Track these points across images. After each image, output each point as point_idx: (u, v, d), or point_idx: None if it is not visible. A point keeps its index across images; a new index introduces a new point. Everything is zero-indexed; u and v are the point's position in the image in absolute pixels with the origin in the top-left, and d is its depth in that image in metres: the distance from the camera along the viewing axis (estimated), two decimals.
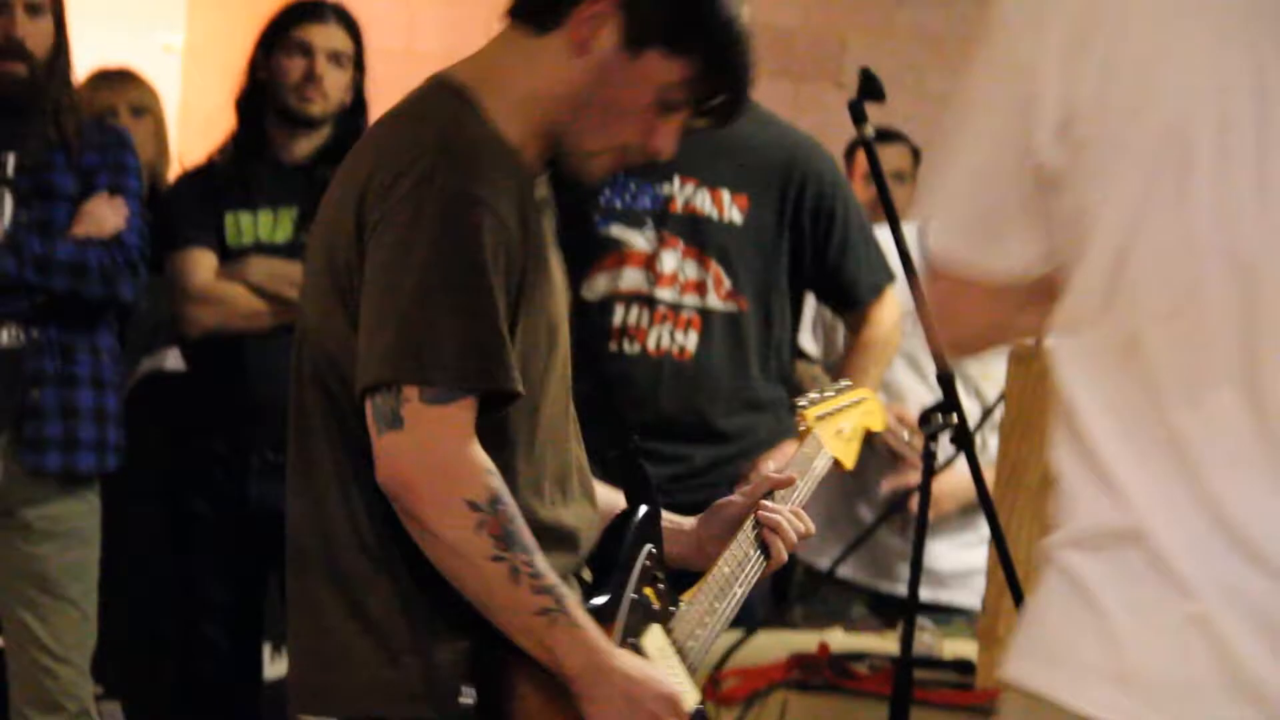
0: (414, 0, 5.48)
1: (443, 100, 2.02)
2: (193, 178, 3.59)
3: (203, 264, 3.48)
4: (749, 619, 2.93)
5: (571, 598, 1.97)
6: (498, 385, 1.92)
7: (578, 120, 2.01)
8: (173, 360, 3.77)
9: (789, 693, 2.68)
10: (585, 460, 2.11)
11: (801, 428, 2.36)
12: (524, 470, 2.00)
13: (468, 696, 1.93)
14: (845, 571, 3.43)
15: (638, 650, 2.06)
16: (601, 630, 1.98)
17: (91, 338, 3.25)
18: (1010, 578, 2.53)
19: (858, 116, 2.60)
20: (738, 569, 2.17)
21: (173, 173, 3.99)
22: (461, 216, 1.92)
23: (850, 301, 3.26)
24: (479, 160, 1.95)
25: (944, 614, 3.36)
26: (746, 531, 2.18)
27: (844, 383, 2.58)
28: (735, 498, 2.24)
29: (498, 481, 1.92)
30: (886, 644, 2.88)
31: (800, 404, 2.38)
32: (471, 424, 1.92)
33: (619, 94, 1.99)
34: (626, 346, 3.15)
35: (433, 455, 1.90)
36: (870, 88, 2.59)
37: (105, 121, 3.43)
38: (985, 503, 2.60)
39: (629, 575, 2.08)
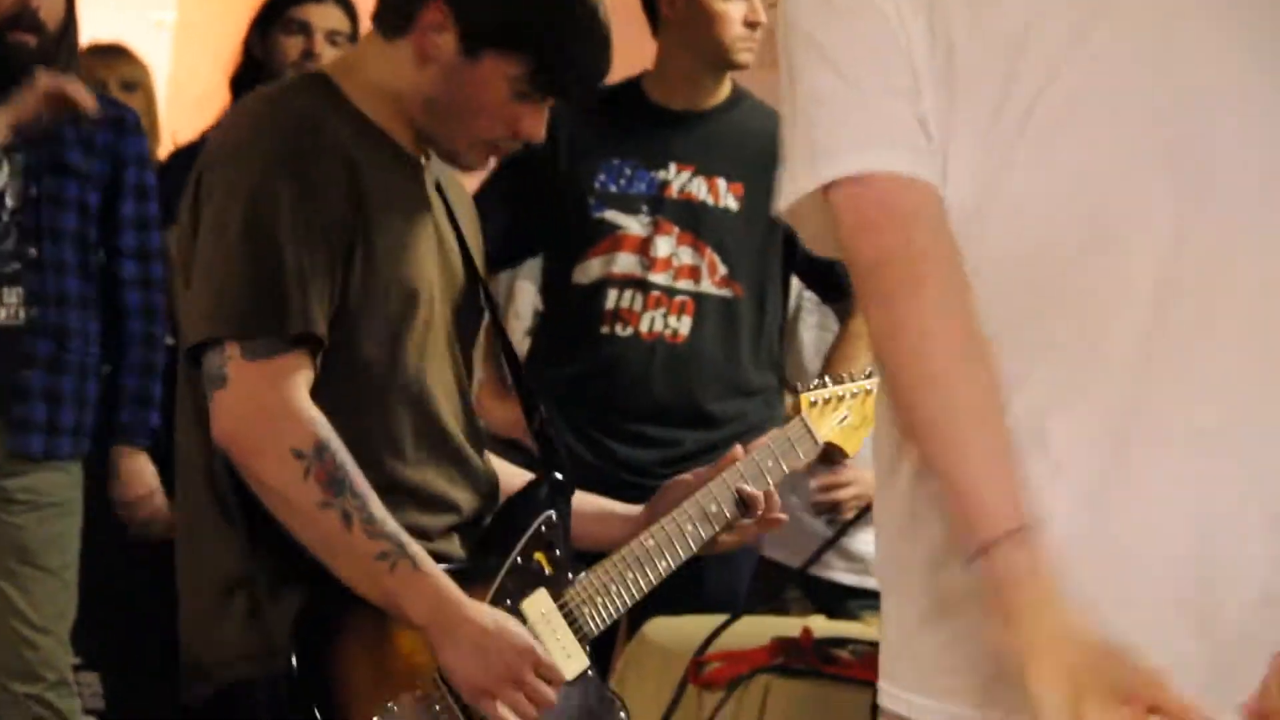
0: None
1: (297, 82, 2.13)
2: (186, 155, 3.58)
3: None
4: (734, 605, 2.94)
5: (415, 547, 1.99)
6: (298, 328, 1.97)
7: (437, 122, 2.09)
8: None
9: (772, 677, 2.69)
10: (464, 439, 2.14)
11: (791, 411, 2.39)
12: (377, 427, 2.05)
13: (291, 657, 1.96)
14: (778, 555, 3.45)
15: (515, 613, 2.08)
16: (450, 580, 2.00)
17: (85, 322, 3.26)
18: None
19: None
20: (667, 542, 2.20)
21: (161, 148, 3.98)
22: (271, 184, 1.98)
23: (840, 290, 3.28)
24: (302, 128, 2.02)
25: (873, 598, 3.37)
26: (689, 507, 2.21)
27: (860, 370, 2.61)
28: (683, 478, 2.29)
29: (324, 430, 1.97)
30: (869, 630, 2.89)
31: (799, 387, 2.41)
32: (297, 375, 1.98)
33: (469, 95, 2.07)
34: (619, 329, 3.16)
35: (255, 407, 1.96)
36: None
37: (108, 95, 3.43)
38: None
39: (516, 539, 2.12)
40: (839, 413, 2.43)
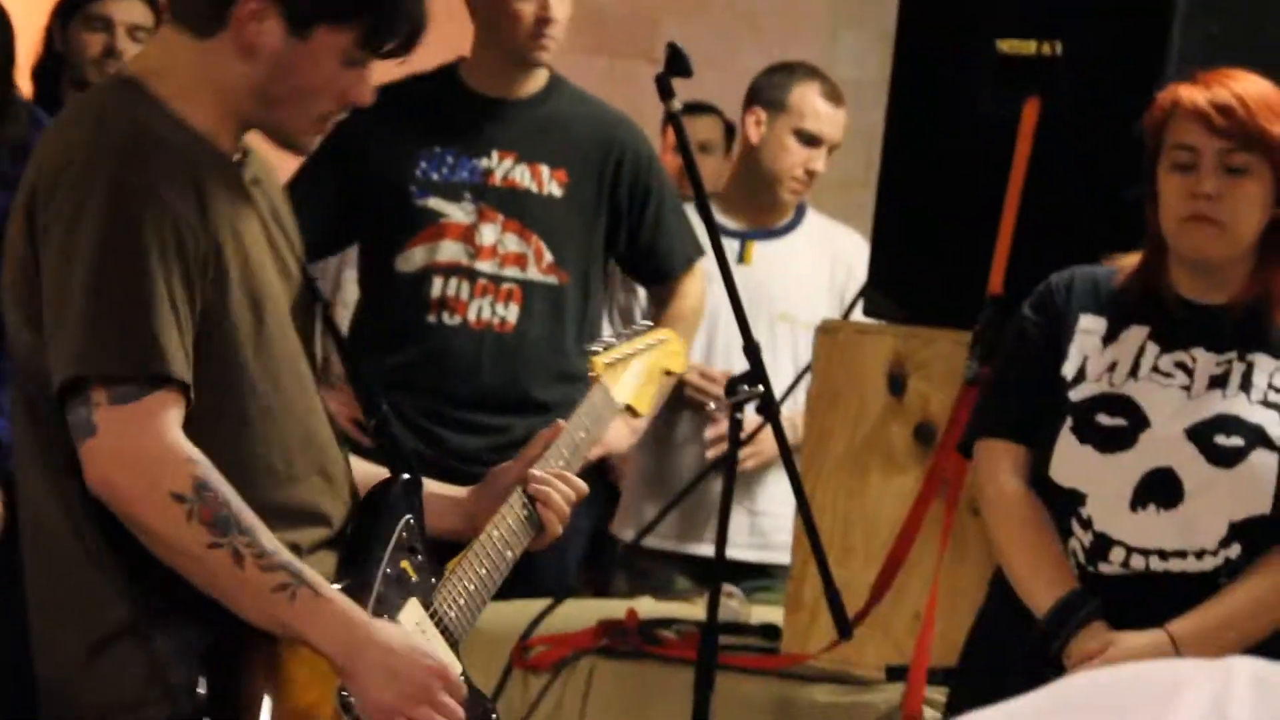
0: None
1: (111, 93, 2.02)
2: None
3: None
4: (562, 588, 2.95)
5: (311, 572, 1.95)
6: (168, 373, 1.91)
7: (273, 111, 2.02)
8: None
9: (597, 659, 2.70)
10: (327, 442, 2.09)
11: (590, 375, 2.37)
12: (246, 449, 1.99)
13: (200, 687, 1.92)
14: (660, 542, 3.44)
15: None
16: (352, 603, 1.96)
17: None
18: (815, 545, 2.58)
19: (665, 91, 2.62)
20: (509, 534, 2.17)
21: None
22: (124, 207, 1.92)
23: (662, 275, 3.30)
24: (143, 147, 1.95)
25: (769, 577, 3.40)
26: (518, 496, 2.19)
27: (643, 324, 2.60)
28: (508, 464, 2.25)
29: (203, 469, 1.92)
30: (695, 610, 2.91)
31: (593, 349, 2.38)
32: (167, 415, 1.92)
33: (304, 77, 2.00)
34: (446, 318, 3.15)
35: (129, 454, 1.91)
36: (677, 63, 2.61)
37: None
38: (790, 470, 2.65)
39: (382, 549, 2.07)
40: (630, 370, 2.41)
